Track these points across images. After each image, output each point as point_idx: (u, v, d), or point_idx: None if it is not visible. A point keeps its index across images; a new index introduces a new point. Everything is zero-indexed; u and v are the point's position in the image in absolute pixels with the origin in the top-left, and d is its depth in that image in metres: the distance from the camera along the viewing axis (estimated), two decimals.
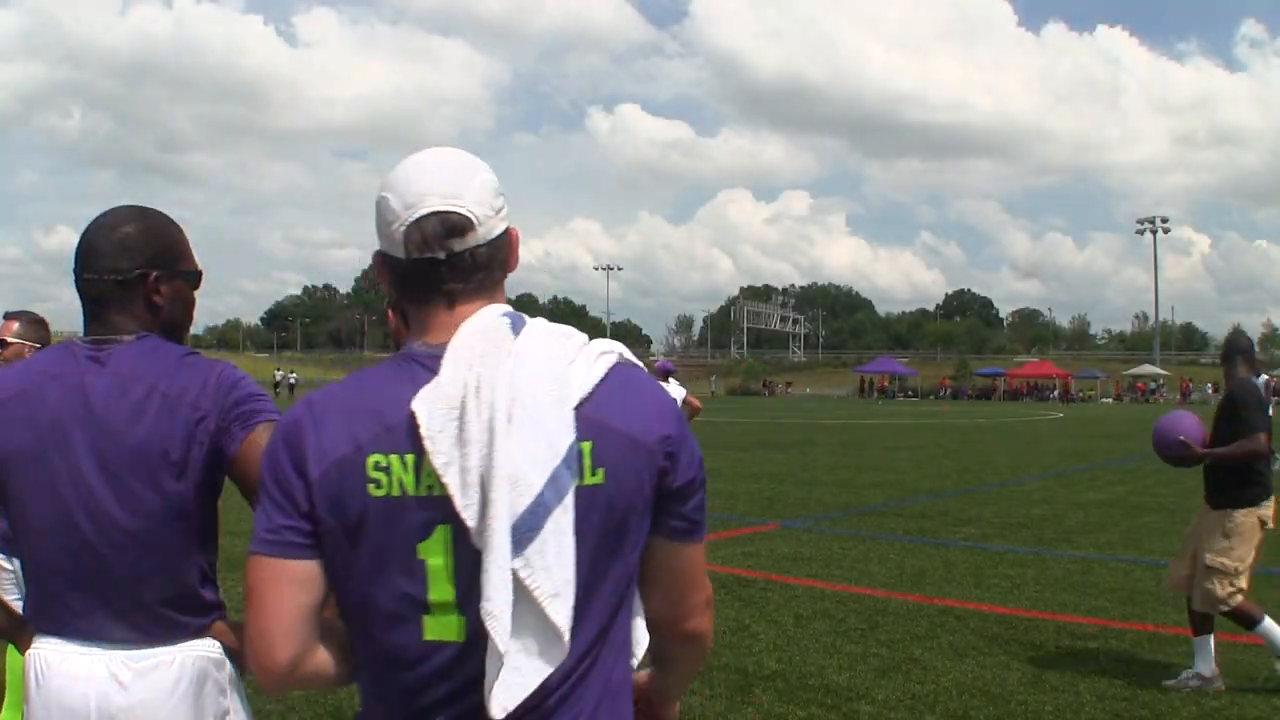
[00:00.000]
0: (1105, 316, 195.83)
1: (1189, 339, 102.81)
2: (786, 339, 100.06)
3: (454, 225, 1.27)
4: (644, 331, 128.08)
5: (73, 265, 1.72)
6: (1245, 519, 4.68)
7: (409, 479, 1.21)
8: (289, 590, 1.23)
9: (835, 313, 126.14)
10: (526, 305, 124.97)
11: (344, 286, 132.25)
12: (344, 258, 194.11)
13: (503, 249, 1.32)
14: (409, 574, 1.22)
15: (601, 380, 1.26)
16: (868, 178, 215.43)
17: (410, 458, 1.21)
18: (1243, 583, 4.67)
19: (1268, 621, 4.64)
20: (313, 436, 1.23)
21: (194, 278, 1.80)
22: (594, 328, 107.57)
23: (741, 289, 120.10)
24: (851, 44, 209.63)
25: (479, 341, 1.24)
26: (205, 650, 1.67)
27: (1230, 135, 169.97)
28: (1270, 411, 13.21)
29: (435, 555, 1.21)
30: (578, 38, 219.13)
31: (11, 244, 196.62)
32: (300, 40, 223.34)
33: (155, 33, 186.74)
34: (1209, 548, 4.72)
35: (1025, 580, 7.17)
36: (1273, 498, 4.74)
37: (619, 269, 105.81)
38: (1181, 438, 4.80)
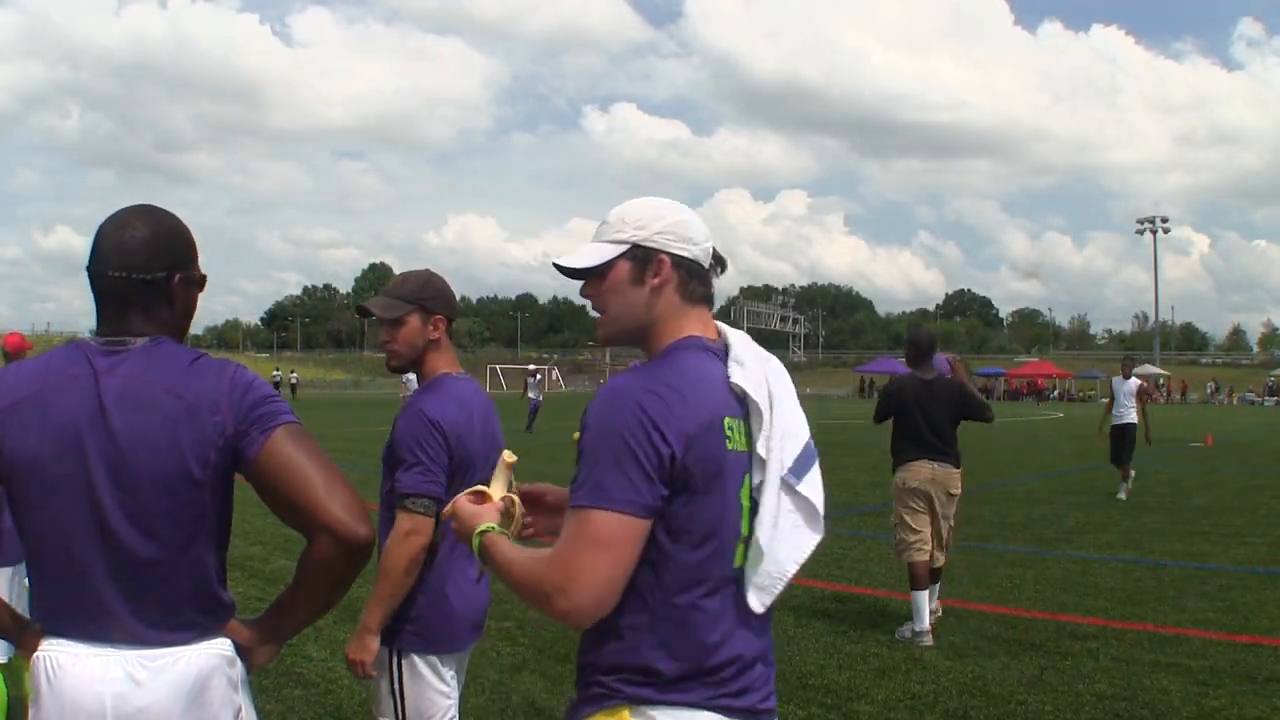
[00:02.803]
0: (1105, 316, 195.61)
1: (1189, 339, 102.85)
2: (786, 339, 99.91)
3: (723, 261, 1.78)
4: None
5: (90, 262, 1.69)
6: (893, 482, 5.94)
7: (739, 437, 1.62)
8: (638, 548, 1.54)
9: (835, 313, 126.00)
10: (527, 305, 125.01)
11: (344, 286, 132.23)
12: (343, 257, 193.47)
13: None
14: (735, 513, 1.62)
15: None
16: (865, 177, 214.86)
17: (741, 421, 1.63)
18: (905, 535, 5.72)
19: (922, 595, 5.58)
20: (679, 405, 1.55)
21: (201, 283, 1.80)
22: (595, 328, 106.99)
23: (741, 289, 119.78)
24: (848, 43, 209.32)
25: (747, 342, 1.73)
26: (219, 648, 1.67)
27: (1229, 135, 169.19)
28: (1109, 415, 13.09)
29: (745, 498, 1.63)
30: (574, 37, 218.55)
31: (11, 244, 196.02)
32: (296, 40, 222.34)
33: (151, 32, 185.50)
34: None
35: (1025, 580, 7.17)
36: (916, 462, 5.77)
37: None
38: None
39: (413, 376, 2.66)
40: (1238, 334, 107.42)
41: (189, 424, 1.60)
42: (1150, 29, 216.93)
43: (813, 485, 1.68)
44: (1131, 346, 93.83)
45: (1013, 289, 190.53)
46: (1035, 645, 5.45)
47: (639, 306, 1.68)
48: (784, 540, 1.63)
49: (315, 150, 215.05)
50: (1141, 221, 77.29)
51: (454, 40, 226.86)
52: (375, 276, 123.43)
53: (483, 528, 1.67)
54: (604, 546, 1.49)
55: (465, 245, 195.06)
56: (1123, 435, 12.30)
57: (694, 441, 1.53)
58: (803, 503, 1.66)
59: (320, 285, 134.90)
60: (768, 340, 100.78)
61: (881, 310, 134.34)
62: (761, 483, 1.63)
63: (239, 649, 1.71)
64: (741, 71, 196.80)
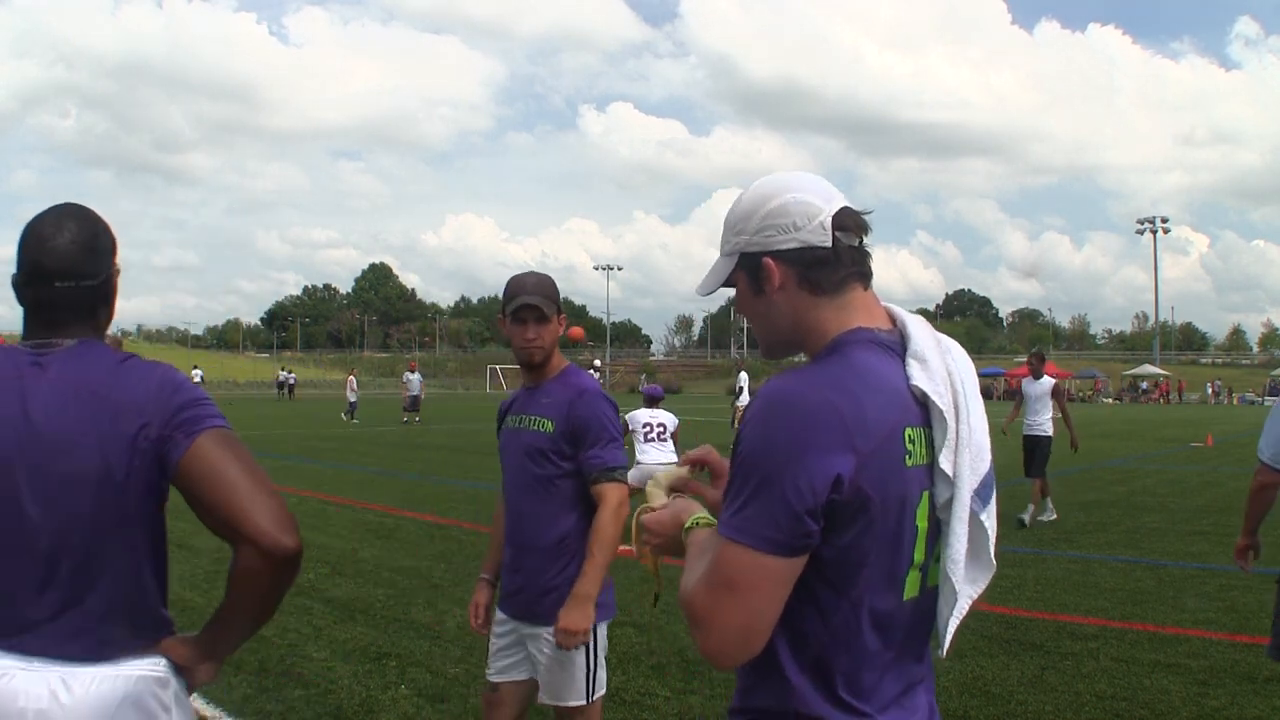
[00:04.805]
0: (1105, 316, 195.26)
1: (1189, 339, 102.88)
2: None
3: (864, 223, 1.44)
4: (644, 332, 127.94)
5: (25, 274, 1.62)
6: None
7: (920, 450, 1.36)
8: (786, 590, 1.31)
9: None
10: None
11: (343, 287, 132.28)
12: (341, 258, 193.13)
13: None
14: (910, 537, 1.36)
15: None
16: (863, 177, 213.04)
17: (922, 430, 1.36)
18: None
19: None
20: (852, 415, 1.29)
21: (118, 272, 1.74)
22: (594, 328, 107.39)
23: None
24: (845, 43, 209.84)
25: (927, 330, 1.43)
26: (149, 669, 1.60)
27: (1227, 134, 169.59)
28: (1016, 418, 11.07)
29: (921, 520, 1.37)
30: (571, 36, 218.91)
31: (9, 243, 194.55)
32: (293, 40, 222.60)
33: (148, 32, 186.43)
34: None
35: (1025, 580, 7.16)
36: None
37: (619, 269, 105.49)
38: None
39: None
40: (1238, 334, 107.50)
41: (113, 426, 1.54)
42: (1147, 28, 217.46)
43: (992, 517, 1.43)
44: (1131, 346, 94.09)
45: (1012, 289, 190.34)
46: (1035, 645, 5.45)
47: (772, 317, 1.46)
48: (968, 574, 1.41)
49: (313, 150, 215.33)
50: (1142, 221, 77.40)
51: (450, 40, 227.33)
52: (375, 276, 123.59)
53: (696, 518, 1.49)
54: (736, 588, 1.28)
55: (464, 245, 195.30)
56: (1034, 446, 10.36)
57: (869, 460, 1.28)
58: (980, 534, 1.41)
59: (320, 285, 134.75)
60: None
61: None
62: (949, 502, 1.38)
63: (176, 668, 1.63)
64: (738, 71, 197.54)
